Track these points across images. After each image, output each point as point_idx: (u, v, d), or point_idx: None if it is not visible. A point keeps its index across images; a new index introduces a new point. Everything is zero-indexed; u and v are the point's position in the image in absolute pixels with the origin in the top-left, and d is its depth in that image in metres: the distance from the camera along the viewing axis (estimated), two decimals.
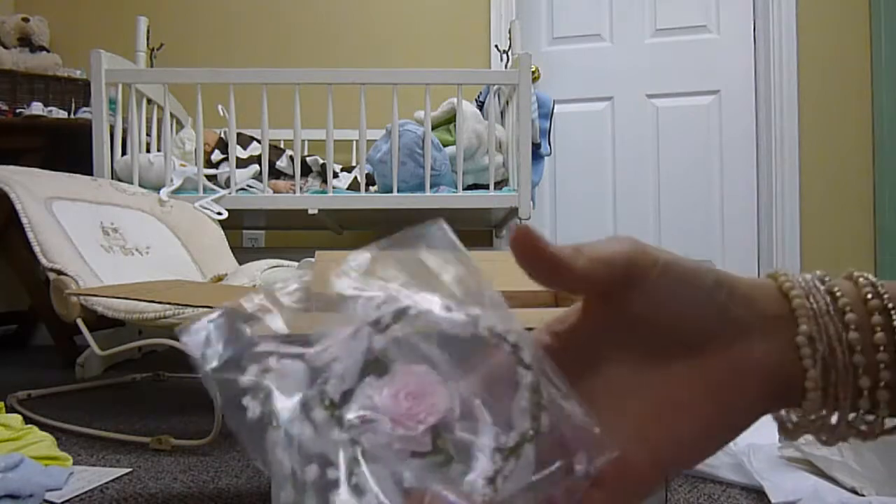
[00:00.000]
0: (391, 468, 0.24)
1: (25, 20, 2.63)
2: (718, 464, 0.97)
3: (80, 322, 1.20)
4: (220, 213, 1.99)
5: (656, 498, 0.68)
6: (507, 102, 2.23)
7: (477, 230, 2.67)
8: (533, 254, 0.26)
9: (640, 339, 0.28)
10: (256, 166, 2.13)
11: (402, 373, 0.26)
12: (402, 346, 0.26)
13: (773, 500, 0.85)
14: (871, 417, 0.27)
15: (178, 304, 1.11)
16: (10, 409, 1.23)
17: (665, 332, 0.28)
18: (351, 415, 0.25)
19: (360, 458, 0.24)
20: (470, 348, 0.26)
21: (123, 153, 2.11)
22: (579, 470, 0.25)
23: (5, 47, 2.59)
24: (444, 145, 2.14)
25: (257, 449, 0.25)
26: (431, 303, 0.27)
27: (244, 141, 2.24)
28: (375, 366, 0.26)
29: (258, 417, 0.25)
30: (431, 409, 0.25)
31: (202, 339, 0.27)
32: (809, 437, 0.92)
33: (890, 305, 0.27)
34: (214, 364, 0.26)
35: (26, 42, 2.63)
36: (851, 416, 0.28)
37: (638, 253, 0.27)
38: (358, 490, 0.24)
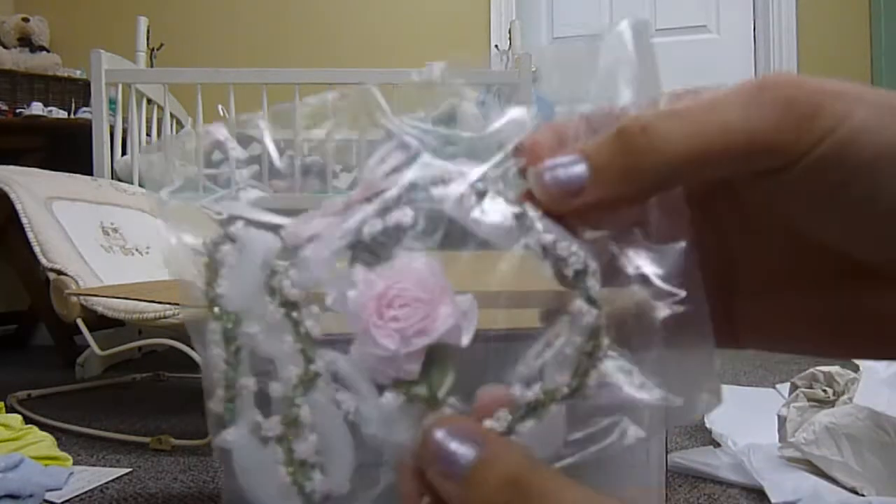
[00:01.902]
0: (348, 403, 0.18)
1: (25, 20, 2.63)
2: (718, 464, 0.97)
3: (80, 322, 1.20)
4: (219, 214, 1.99)
5: (657, 498, 0.68)
6: (507, 102, 2.23)
7: None
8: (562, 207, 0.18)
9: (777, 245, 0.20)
10: (256, 166, 2.13)
11: (396, 268, 0.19)
12: (406, 235, 0.19)
13: (773, 500, 0.85)
14: None
15: (178, 304, 1.11)
16: (10, 409, 1.23)
17: (814, 246, 0.18)
18: (310, 321, 0.19)
19: (307, 381, 0.18)
20: (506, 260, 0.19)
21: (123, 153, 2.11)
22: (631, 434, 0.18)
23: (5, 47, 2.59)
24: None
25: (198, 341, 0.20)
26: (465, 182, 0.19)
27: (244, 141, 2.24)
28: (363, 255, 0.19)
29: (201, 301, 0.19)
30: (429, 324, 0.18)
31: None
32: (809, 436, 0.91)
33: None
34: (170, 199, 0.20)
35: (26, 42, 2.63)
36: None
37: (787, 126, 0.16)
38: (295, 426, 0.18)
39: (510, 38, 2.57)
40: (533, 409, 0.18)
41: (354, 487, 0.18)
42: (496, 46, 2.76)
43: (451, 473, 0.17)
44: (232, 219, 0.21)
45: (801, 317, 0.20)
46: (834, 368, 0.99)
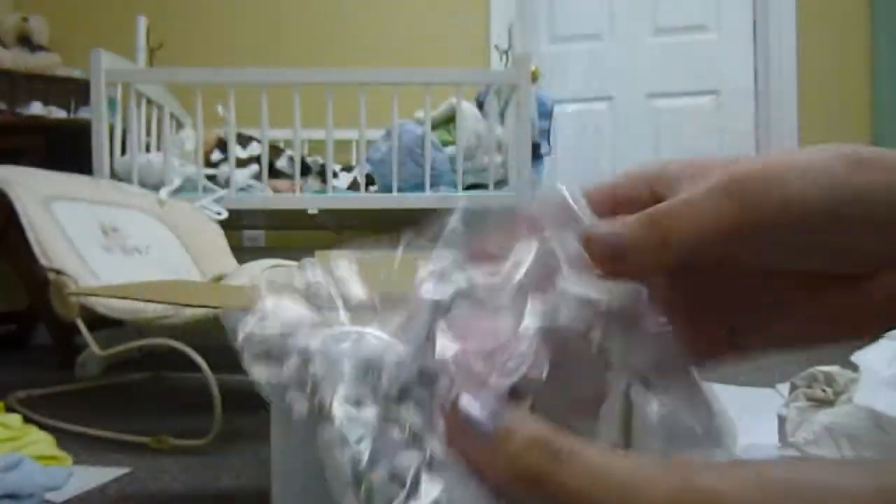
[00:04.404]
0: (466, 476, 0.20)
1: (24, 20, 2.63)
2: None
3: (79, 322, 1.20)
4: (219, 213, 1.99)
5: None
6: (507, 102, 2.23)
7: None
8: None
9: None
10: (256, 166, 2.13)
11: (469, 326, 0.21)
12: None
13: None
14: None
15: (177, 304, 1.11)
16: (9, 409, 1.23)
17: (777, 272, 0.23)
18: (410, 413, 0.21)
19: (424, 466, 0.20)
20: (546, 340, 0.22)
21: (123, 153, 2.11)
22: None
23: (5, 47, 2.59)
24: (444, 145, 2.15)
25: (310, 448, 0.22)
26: (496, 283, 0.23)
27: (244, 141, 2.24)
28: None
29: (307, 413, 0.22)
30: (512, 361, 0.20)
31: (245, 325, 0.24)
32: (809, 436, 0.91)
33: None
34: (253, 352, 0.23)
35: (26, 41, 2.63)
36: None
37: (741, 219, 0.21)
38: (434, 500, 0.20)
39: (510, 38, 2.57)
40: None
41: None
42: (496, 46, 2.76)
43: (477, 439, 0.18)
44: (309, 338, 0.23)
45: (798, 325, 0.24)
46: (834, 368, 0.99)
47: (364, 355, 0.22)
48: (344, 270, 0.26)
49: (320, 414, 0.21)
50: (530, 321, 0.21)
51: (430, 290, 0.22)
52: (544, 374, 0.20)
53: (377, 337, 0.22)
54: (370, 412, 0.21)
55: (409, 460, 0.20)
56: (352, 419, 0.21)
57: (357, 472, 0.20)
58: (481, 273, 0.23)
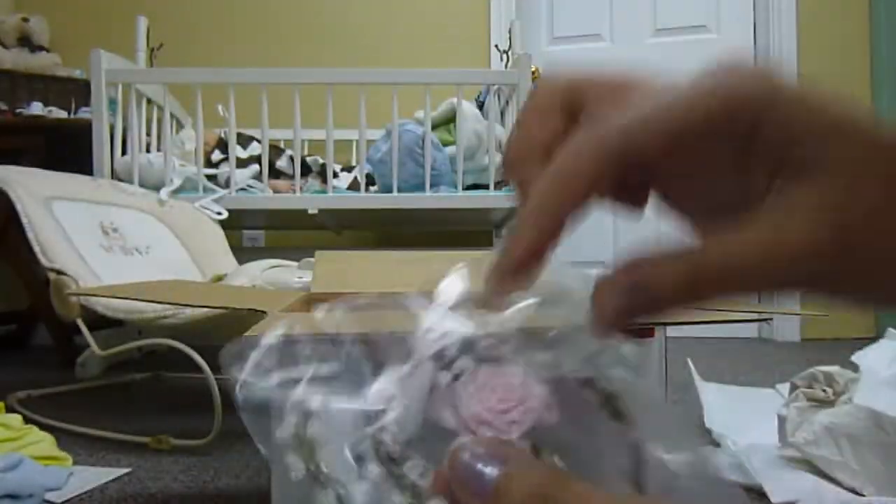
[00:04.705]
0: None
1: (25, 20, 2.63)
2: (718, 464, 0.97)
3: (79, 322, 1.20)
4: (219, 213, 1.99)
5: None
6: (507, 102, 2.23)
7: (477, 230, 2.67)
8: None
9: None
10: (256, 166, 2.13)
11: (483, 379, 0.21)
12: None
13: (773, 500, 0.85)
14: None
15: (177, 304, 1.11)
16: (9, 409, 1.23)
17: None
18: (414, 473, 0.20)
19: None
20: (554, 391, 0.22)
21: (123, 153, 2.11)
22: None
23: (5, 47, 2.59)
24: (444, 145, 2.15)
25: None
26: (502, 334, 0.23)
27: (244, 141, 2.24)
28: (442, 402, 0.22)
29: (303, 477, 0.21)
30: (519, 411, 0.21)
31: (241, 373, 0.23)
32: (809, 436, 0.91)
33: None
34: (250, 405, 0.23)
35: (26, 42, 2.63)
36: None
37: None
38: None
39: (510, 38, 2.57)
40: None
41: None
42: (496, 46, 2.75)
43: (478, 491, 0.18)
44: (308, 395, 0.23)
45: None
46: (834, 368, 0.99)
47: (364, 412, 0.21)
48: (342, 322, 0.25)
49: (318, 477, 0.21)
50: (534, 372, 0.21)
51: (432, 343, 0.22)
52: (555, 421, 0.20)
53: (377, 392, 0.22)
54: (371, 472, 0.21)
55: None
56: (351, 484, 0.20)
57: None
58: (477, 324, 0.23)
